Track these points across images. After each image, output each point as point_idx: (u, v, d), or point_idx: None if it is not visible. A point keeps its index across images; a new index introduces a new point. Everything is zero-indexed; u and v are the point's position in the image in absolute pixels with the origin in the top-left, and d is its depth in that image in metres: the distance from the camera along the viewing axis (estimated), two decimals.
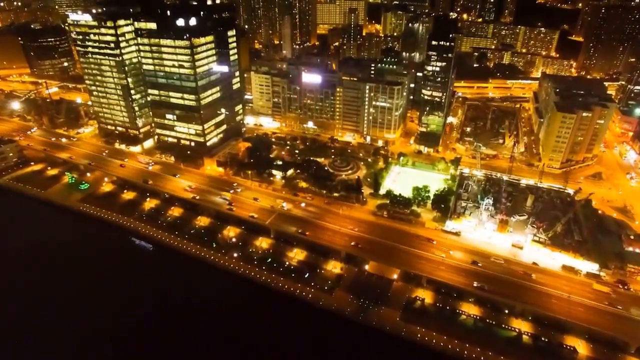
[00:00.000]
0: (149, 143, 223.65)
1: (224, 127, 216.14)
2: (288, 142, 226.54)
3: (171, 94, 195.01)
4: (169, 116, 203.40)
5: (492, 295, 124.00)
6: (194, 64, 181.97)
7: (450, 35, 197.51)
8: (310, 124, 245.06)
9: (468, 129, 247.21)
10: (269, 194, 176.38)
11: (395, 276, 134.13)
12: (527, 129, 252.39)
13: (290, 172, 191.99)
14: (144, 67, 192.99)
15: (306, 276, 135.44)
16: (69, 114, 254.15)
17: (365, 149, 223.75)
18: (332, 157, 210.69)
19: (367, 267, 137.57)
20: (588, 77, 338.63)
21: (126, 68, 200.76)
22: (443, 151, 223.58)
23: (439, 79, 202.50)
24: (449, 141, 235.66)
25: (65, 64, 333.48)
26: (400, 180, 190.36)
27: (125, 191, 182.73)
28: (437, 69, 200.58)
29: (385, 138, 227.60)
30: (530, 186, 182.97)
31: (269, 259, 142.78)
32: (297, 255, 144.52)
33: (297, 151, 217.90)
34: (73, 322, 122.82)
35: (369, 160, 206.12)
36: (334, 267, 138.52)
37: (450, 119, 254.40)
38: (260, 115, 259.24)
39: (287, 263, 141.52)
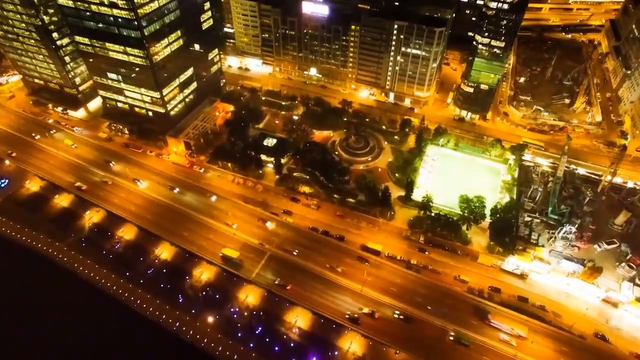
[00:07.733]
0: (95, 104, 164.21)
1: (194, 85, 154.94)
2: (283, 104, 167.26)
3: (108, 45, 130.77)
4: (111, 75, 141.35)
5: None
6: (133, 2, 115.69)
7: None
8: (313, 72, 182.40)
9: (522, 80, 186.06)
10: (253, 213, 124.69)
11: None
12: (599, 80, 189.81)
13: (284, 159, 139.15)
14: (59, 1, 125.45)
15: None
16: None
17: (388, 111, 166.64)
18: (345, 130, 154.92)
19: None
20: None
21: (36, 0, 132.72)
22: (492, 117, 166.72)
23: (505, 21, 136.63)
24: (499, 99, 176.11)
25: None
26: (439, 170, 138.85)
27: (58, 194, 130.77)
28: (506, 6, 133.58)
29: (416, 97, 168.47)
30: (617, 186, 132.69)
31: (259, 329, 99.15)
32: (298, 320, 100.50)
33: (295, 117, 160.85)
34: None
35: (395, 137, 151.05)
36: (353, 349, 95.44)
37: None
38: (246, 56, 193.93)
39: (284, 335, 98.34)
